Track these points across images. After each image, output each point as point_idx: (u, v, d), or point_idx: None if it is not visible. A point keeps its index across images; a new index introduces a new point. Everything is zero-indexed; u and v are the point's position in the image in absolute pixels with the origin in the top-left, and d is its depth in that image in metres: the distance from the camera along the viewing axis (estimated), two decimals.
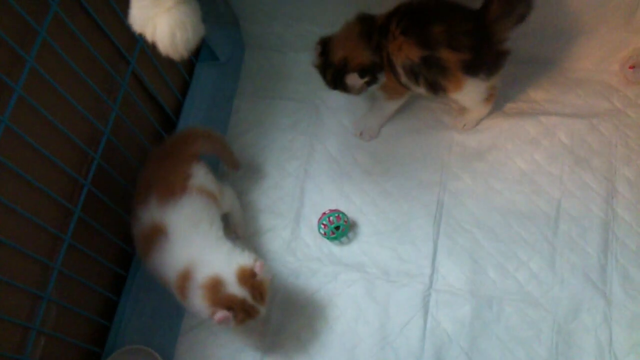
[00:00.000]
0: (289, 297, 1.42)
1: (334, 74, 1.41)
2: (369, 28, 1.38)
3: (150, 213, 1.27)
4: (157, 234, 1.26)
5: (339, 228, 1.44)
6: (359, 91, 1.43)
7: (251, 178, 1.59)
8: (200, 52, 1.73)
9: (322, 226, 1.45)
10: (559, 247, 1.40)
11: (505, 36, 1.34)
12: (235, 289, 1.18)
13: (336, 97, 1.65)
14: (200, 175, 1.34)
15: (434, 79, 1.38)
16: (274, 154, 1.61)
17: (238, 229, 1.49)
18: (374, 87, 1.43)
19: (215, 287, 1.18)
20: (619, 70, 1.56)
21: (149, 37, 1.08)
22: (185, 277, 1.21)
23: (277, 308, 1.41)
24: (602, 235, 1.39)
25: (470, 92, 1.43)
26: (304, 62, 1.71)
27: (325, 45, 1.40)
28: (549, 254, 1.39)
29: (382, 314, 1.39)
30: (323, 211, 1.47)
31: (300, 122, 1.65)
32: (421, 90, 1.43)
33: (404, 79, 1.41)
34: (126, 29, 1.14)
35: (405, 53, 1.35)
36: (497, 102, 1.57)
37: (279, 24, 1.67)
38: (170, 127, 1.65)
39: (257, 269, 1.19)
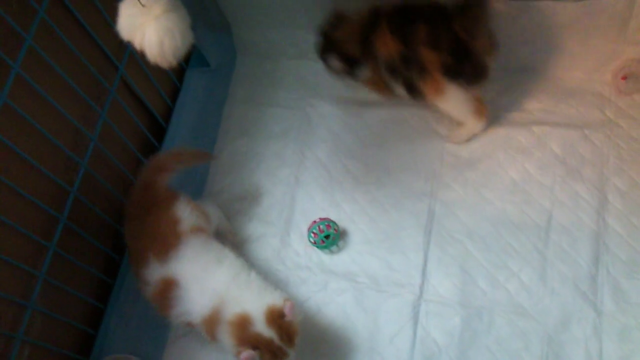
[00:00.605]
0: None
1: (325, 46, 1.45)
2: (373, 23, 1.39)
3: (155, 273, 1.24)
4: (170, 288, 1.23)
5: (329, 237, 1.43)
6: (336, 73, 1.48)
7: (241, 185, 1.58)
8: (191, 58, 1.72)
9: (312, 234, 1.44)
10: (549, 257, 1.39)
11: (480, 42, 1.33)
12: (263, 328, 1.14)
13: (328, 105, 1.64)
14: (187, 214, 1.30)
15: (411, 79, 1.38)
16: (264, 161, 1.61)
17: (229, 235, 1.48)
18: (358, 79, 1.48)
19: (242, 325, 1.15)
20: (612, 81, 1.55)
21: (137, 44, 1.07)
22: (214, 315, 1.19)
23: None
24: (593, 246, 1.39)
25: (451, 100, 1.41)
26: (296, 69, 1.72)
27: (338, 20, 1.42)
28: (539, 265, 1.38)
29: (372, 323, 1.38)
30: (313, 219, 1.46)
31: (291, 130, 1.64)
32: (401, 91, 1.44)
33: (385, 76, 1.42)
34: (115, 34, 1.13)
35: (387, 48, 1.36)
36: (489, 111, 1.56)
37: (271, 31, 1.66)
38: (159, 133, 1.63)
39: (287, 310, 1.15)
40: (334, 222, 1.45)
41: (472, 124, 1.50)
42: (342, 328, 1.38)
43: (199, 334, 1.38)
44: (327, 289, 1.43)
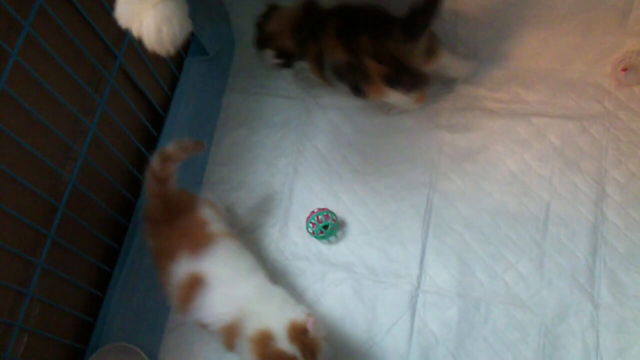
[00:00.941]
0: None
1: (259, 40, 1.50)
2: (310, 18, 1.44)
3: (185, 266, 1.21)
4: (196, 285, 1.19)
5: (327, 227, 1.43)
6: (271, 66, 1.53)
7: (240, 175, 1.58)
8: (190, 47, 1.71)
9: (311, 225, 1.44)
10: (547, 249, 1.39)
11: (415, 60, 1.39)
12: (285, 344, 1.11)
13: (327, 96, 1.64)
14: (212, 217, 1.28)
15: (356, 83, 1.43)
16: (263, 151, 1.60)
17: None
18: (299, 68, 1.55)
19: (264, 341, 1.11)
20: (611, 73, 1.55)
21: (135, 32, 1.07)
22: (234, 327, 1.16)
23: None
24: (591, 238, 1.39)
25: (392, 99, 1.48)
26: None
27: (270, 11, 1.47)
28: (537, 257, 1.39)
29: (369, 314, 1.38)
30: (312, 210, 1.46)
31: (290, 120, 1.64)
32: (344, 88, 1.48)
33: (329, 75, 1.46)
34: (113, 21, 1.12)
35: (334, 53, 1.40)
36: (488, 103, 1.56)
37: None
38: (158, 122, 1.63)
39: (310, 326, 1.11)
40: (333, 213, 1.45)
41: (409, 106, 1.55)
42: (340, 318, 1.38)
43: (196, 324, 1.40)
44: (325, 279, 1.43)
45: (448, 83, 1.60)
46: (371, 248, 1.45)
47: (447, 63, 1.50)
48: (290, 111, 1.65)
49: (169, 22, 1.04)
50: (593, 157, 1.47)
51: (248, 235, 1.50)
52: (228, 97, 1.69)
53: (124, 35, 1.40)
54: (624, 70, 1.52)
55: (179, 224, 1.25)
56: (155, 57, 1.45)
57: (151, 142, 1.60)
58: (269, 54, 1.50)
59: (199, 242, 1.22)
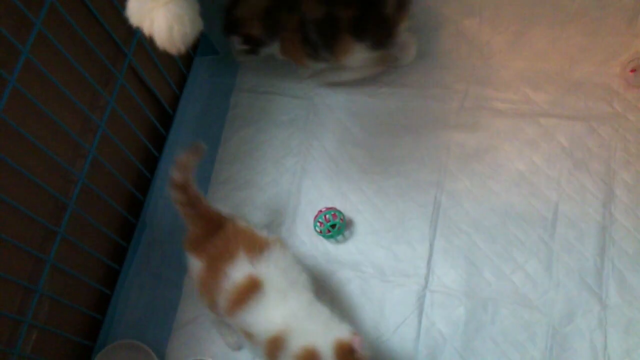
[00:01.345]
0: None
1: (227, 24, 1.50)
2: (278, 5, 1.45)
3: (243, 268, 1.15)
4: (252, 288, 1.14)
5: (335, 226, 1.43)
6: (237, 52, 1.56)
7: (248, 174, 1.58)
8: (199, 46, 1.72)
9: (318, 224, 1.44)
10: (555, 250, 1.39)
11: (388, 10, 1.42)
12: None
13: (335, 95, 1.64)
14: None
15: (329, 42, 1.46)
16: (271, 150, 1.61)
17: None
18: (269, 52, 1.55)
19: None
20: (620, 74, 1.55)
21: (146, 30, 1.07)
22: (278, 341, 1.11)
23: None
24: (599, 239, 1.39)
25: (357, 57, 1.50)
26: None
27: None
28: (545, 257, 1.38)
29: (377, 313, 1.38)
30: (319, 209, 1.46)
31: (298, 119, 1.64)
32: (320, 62, 1.53)
33: (313, 42, 1.47)
34: (123, 20, 1.12)
35: (314, 11, 1.42)
36: (496, 103, 1.56)
37: None
38: (166, 120, 1.64)
39: (356, 345, 1.07)
40: (340, 212, 1.45)
41: (372, 69, 1.59)
42: (347, 318, 1.38)
43: (204, 321, 1.40)
44: (333, 278, 1.43)
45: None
46: (379, 247, 1.45)
47: (404, 36, 1.53)
48: (298, 110, 1.65)
49: (180, 21, 1.04)
50: (601, 158, 1.47)
51: None
52: (236, 96, 1.69)
53: (133, 34, 1.41)
54: (633, 71, 1.51)
55: (229, 230, 1.20)
56: (164, 56, 1.47)
57: (159, 140, 1.61)
58: (235, 40, 1.50)
59: (258, 244, 1.18)
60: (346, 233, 1.47)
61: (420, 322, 1.36)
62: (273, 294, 1.14)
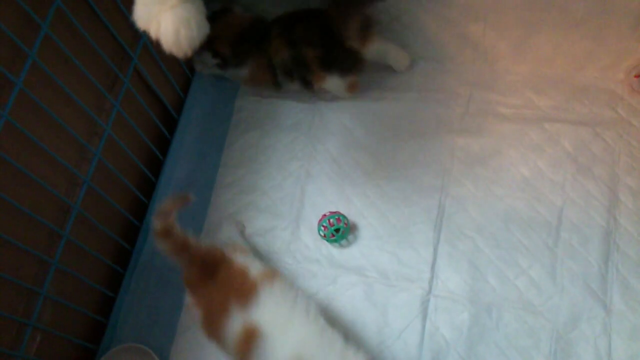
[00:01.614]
0: None
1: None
2: (255, 33, 1.51)
3: (237, 319, 1.13)
4: (252, 336, 1.12)
5: (339, 230, 1.43)
6: (207, 67, 1.61)
7: (252, 178, 1.58)
8: None
9: (322, 228, 1.44)
10: (559, 255, 1.39)
11: (349, 34, 1.45)
12: None
13: (339, 99, 1.64)
14: (247, 261, 1.22)
15: (304, 75, 1.52)
16: (275, 154, 1.61)
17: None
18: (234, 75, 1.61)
19: None
20: (624, 79, 1.55)
21: (153, 34, 1.08)
22: None
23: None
24: (604, 244, 1.38)
25: (330, 85, 1.55)
26: None
27: (220, 13, 1.50)
28: (549, 262, 1.38)
29: (381, 318, 1.38)
30: (323, 213, 1.46)
31: (302, 123, 1.64)
32: (295, 86, 1.57)
33: (280, 78, 1.54)
34: (129, 24, 1.13)
35: (280, 53, 1.48)
36: (501, 108, 1.56)
37: None
38: (171, 123, 1.64)
39: None
40: (344, 216, 1.45)
41: (343, 93, 1.61)
42: (351, 322, 1.38)
43: None
44: (337, 282, 1.43)
45: (391, 71, 1.66)
46: (383, 252, 1.45)
47: (383, 50, 1.58)
48: (303, 114, 1.65)
49: (186, 24, 1.05)
50: (606, 164, 1.47)
51: (260, 238, 1.50)
52: (240, 100, 1.70)
53: (139, 37, 1.41)
54: (637, 76, 1.51)
55: (220, 278, 1.18)
56: (169, 60, 1.48)
57: (164, 143, 1.61)
58: (206, 55, 1.54)
59: (246, 291, 1.15)
60: (350, 237, 1.47)
61: (424, 327, 1.36)
62: (276, 334, 1.10)
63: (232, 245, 1.28)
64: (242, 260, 1.21)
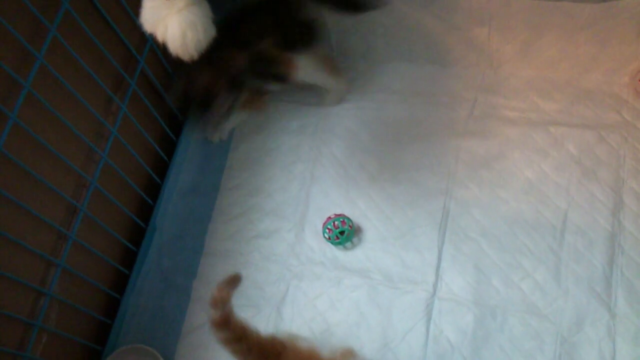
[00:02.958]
0: (291, 300, 1.42)
1: (201, 102, 1.41)
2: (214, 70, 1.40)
3: None
4: None
5: (343, 233, 1.44)
6: (224, 111, 1.46)
7: (257, 180, 1.59)
8: None
9: (327, 230, 1.45)
10: (564, 258, 1.39)
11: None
12: None
13: (344, 102, 1.65)
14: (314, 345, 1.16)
15: (274, 70, 1.46)
16: (280, 156, 1.61)
17: None
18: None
19: None
20: (629, 83, 1.55)
21: (159, 37, 1.09)
22: None
23: (277, 311, 1.41)
24: (608, 247, 1.38)
25: (308, 69, 1.51)
26: None
27: (186, 83, 1.39)
28: (554, 265, 1.38)
29: (385, 320, 1.38)
30: (328, 215, 1.47)
31: (307, 126, 1.65)
32: (274, 87, 1.53)
33: (255, 82, 1.49)
34: (136, 27, 1.14)
35: (236, 64, 1.39)
36: (505, 111, 1.57)
37: None
38: (176, 127, 1.65)
39: None
40: (349, 219, 1.45)
41: (335, 83, 1.60)
42: (355, 324, 1.39)
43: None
44: (341, 284, 1.43)
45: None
46: (387, 254, 1.45)
47: (312, 77, 1.56)
48: (307, 117, 1.66)
49: (193, 28, 1.06)
50: (611, 167, 1.47)
51: (264, 240, 1.51)
52: None
53: (146, 40, 1.42)
54: None
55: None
56: (175, 63, 1.48)
57: (169, 146, 1.62)
58: (210, 110, 1.42)
59: None
60: (355, 240, 1.47)
61: (428, 329, 1.36)
62: None
63: (291, 335, 1.19)
64: (308, 344, 1.13)
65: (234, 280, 1.12)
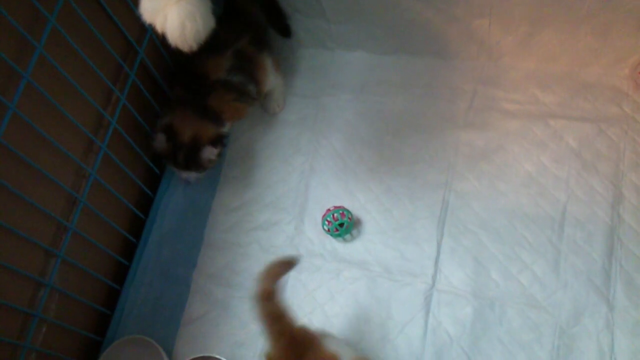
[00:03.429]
0: (291, 292, 1.42)
1: (187, 154, 1.39)
2: (199, 104, 1.41)
3: None
4: None
5: (343, 225, 1.44)
6: (212, 162, 1.43)
7: (256, 172, 1.59)
8: None
9: (326, 222, 1.45)
10: (563, 251, 1.39)
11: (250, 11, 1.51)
12: None
13: (344, 94, 1.65)
14: (341, 350, 1.12)
15: (249, 72, 1.47)
16: (280, 149, 1.61)
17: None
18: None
19: None
20: (629, 75, 1.55)
21: (158, 27, 1.08)
22: None
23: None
24: (607, 240, 1.38)
25: (270, 69, 1.54)
26: (312, 58, 1.72)
27: (169, 131, 1.38)
28: (553, 258, 1.38)
29: (384, 312, 1.39)
30: (327, 207, 1.47)
31: (306, 118, 1.64)
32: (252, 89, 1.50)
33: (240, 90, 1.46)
34: (136, 18, 1.14)
35: (219, 72, 1.41)
36: (505, 104, 1.57)
37: (289, 19, 1.66)
38: None
39: None
40: (348, 211, 1.45)
41: (279, 82, 1.62)
42: (354, 316, 1.39)
43: (212, 318, 1.41)
44: (340, 276, 1.44)
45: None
46: (386, 247, 1.45)
47: (272, 80, 1.58)
48: (307, 109, 1.66)
49: (192, 18, 1.05)
50: (610, 160, 1.47)
51: (264, 232, 1.51)
52: None
53: (145, 31, 1.42)
54: None
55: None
56: (175, 54, 1.48)
57: None
58: (208, 151, 1.40)
59: None
60: (354, 232, 1.47)
61: (427, 321, 1.36)
62: None
63: (324, 332, 1.16)
64: (334, 347, 1.10)
65: (291, 262, 1.13)
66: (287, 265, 1.12)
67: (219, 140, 1.41)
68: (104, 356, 1.36)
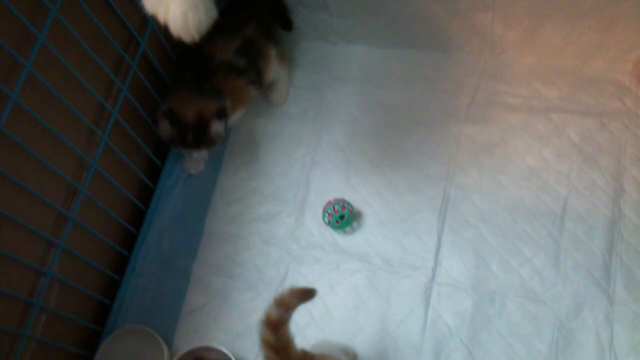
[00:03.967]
0: (291, 284, 1.42)
1: (195, 132, 1.39)
2: (194, 81, 1.42)
3: None
4: None
5: (343, 217, 1.44)
6: (221, 137, 1.43)
7: (258, 164, 1.59)
8: None
9: (327, 215, 1.45)
10: (563, 244, 1.39)
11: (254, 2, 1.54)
12: None
13: (345, 87, 1.65)
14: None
15: (255, 57, 1.50)
16: (281, 141, 1.61)
17: None
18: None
19: None
20: (632, 70, 1.54)
21: (161, 18, 1.08)
22: None
23: (277, 294, 1.40)
24: (608, 234, 1.38)
25: (274, 60, 1.57)
26: (314, 51, 1.72)
27: (170, 116, 1.37)
28: (553, 251, 1.38)
29: (384, 304, 1.39)
30: (328, 200, 1.47)
31: (308, 111, 1.64)
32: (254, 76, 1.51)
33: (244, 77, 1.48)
34: (137, 9, 1.14)
35: (225, 53, 1.44)
36: (507, 97, 1.56)
37: (291, 12, 1.66)
38: None
39: None
40: (349, 203, 1.45)
41: (284, 71, 1.63)
42: (354, 308, 1.39)
43: (212, 309, 1.41)
44: (340, 268, 1.44)
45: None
46: (387, 239, 1.46)
47: (276, 71, 1.60)
48: (309, 102, 1.66)
49: (194, 9, 1.05)
50: (612, 154, 1.46)
51: (264, 224, 1.51)
52: None
53: (147, 22, 1.42)
54: None
55: None
56: (177, 45, 1.48)
57: None
58: (215, 124, 1.40)
59: None
60: (354, 224, 1.48)
61: (426, 314, 1.36)
62: None
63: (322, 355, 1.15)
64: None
65: (308, 294, 1.07)
66: (304, 295, 1.07)
67: (223, 112, 1.40)
68: (103, 346, 1.36)
